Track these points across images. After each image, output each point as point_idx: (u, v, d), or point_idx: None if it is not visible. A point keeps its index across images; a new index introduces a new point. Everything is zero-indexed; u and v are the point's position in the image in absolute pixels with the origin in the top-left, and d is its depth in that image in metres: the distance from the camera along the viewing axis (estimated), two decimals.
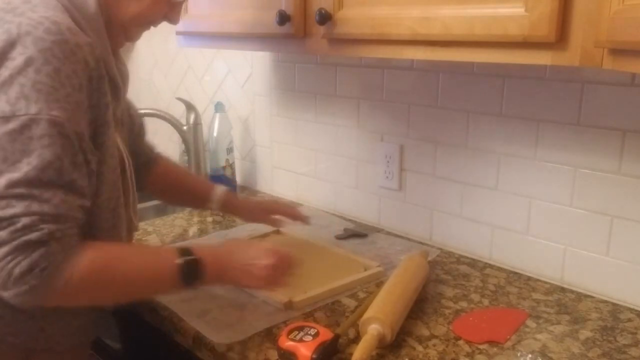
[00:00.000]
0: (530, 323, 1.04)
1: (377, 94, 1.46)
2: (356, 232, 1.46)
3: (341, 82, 1.54)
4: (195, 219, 1.60)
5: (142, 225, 1.52)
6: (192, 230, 1.53)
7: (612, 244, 1.11)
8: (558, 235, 1.18)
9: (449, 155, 1.33)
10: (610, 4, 0.73)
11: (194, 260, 0.89)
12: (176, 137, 1.98)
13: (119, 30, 0.92)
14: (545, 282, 1.20)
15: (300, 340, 0.90)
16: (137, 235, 1.36)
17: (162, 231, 1.50)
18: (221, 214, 1.61)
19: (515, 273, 1.25)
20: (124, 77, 0.99)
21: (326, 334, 0.92)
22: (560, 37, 0.80)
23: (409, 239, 1.43)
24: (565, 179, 1.15)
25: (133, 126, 1.17)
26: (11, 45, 0.75)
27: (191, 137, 1.87)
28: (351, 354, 0.93)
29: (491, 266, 1.28)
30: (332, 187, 1.62)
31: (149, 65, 2.23)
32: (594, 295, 1.14)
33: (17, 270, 0.73)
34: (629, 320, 1.06)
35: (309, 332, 0.91)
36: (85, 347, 1.04)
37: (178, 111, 1.96)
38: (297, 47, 1.19)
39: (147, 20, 0.95)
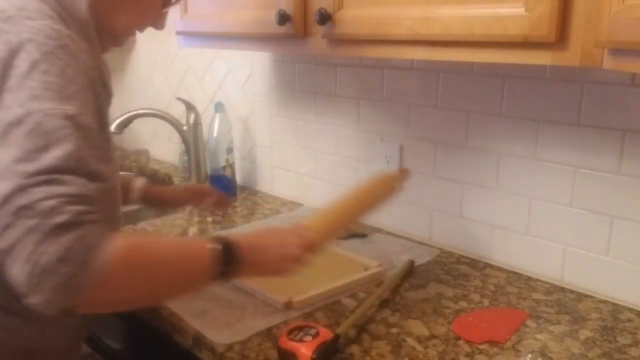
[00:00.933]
0: (530, 323, 1.04)
1: (377, 94, 1.46)
2: (356, 232, 1.46)
3: (341, 82, 1.54)
4: (196, 218, 1.60)
5: (142, 225, 1.52)
6: (192, 230, 1.54)
7: (612, 244, 1.11)
8: (558, 235, 1.18)
9: (449, 155, 1.33)
10: (610, 4, 0.73)
11: (227, 243, 0.84)
12: (176, 137, 1.98)
13: (107, 37, 0.94)
14: (545, 282, 1.20)
15: (301, 340, 0.90)
16: None
17: (162, 231, 1.49)
18: (221, 214, 1.61)
19: (515, 273, 1.25)
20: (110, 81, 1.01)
21: (326, 334, 0.92)
22: (560, 37, 0.80)
23: (409, 239, 1.43)
24: (565, 179, 1.15)
25: None
26: (14, 54, 0.75)
27: (191, 137, 1.88)
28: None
29: (491, 266, 1.28)
30: (332, 187, 1.62)
31: (149, 65, 2.23)
32: (594, 295, 1.14)
33: (46, 259, 0.65)
34: (629, 320, 1.06)
35: (309, 332, 0.91)
36: (79, 343, 1.05)
37: (178, 111, 1.96)
38: (297, 47, 1.19)
39: (136, 29, 0.99)
